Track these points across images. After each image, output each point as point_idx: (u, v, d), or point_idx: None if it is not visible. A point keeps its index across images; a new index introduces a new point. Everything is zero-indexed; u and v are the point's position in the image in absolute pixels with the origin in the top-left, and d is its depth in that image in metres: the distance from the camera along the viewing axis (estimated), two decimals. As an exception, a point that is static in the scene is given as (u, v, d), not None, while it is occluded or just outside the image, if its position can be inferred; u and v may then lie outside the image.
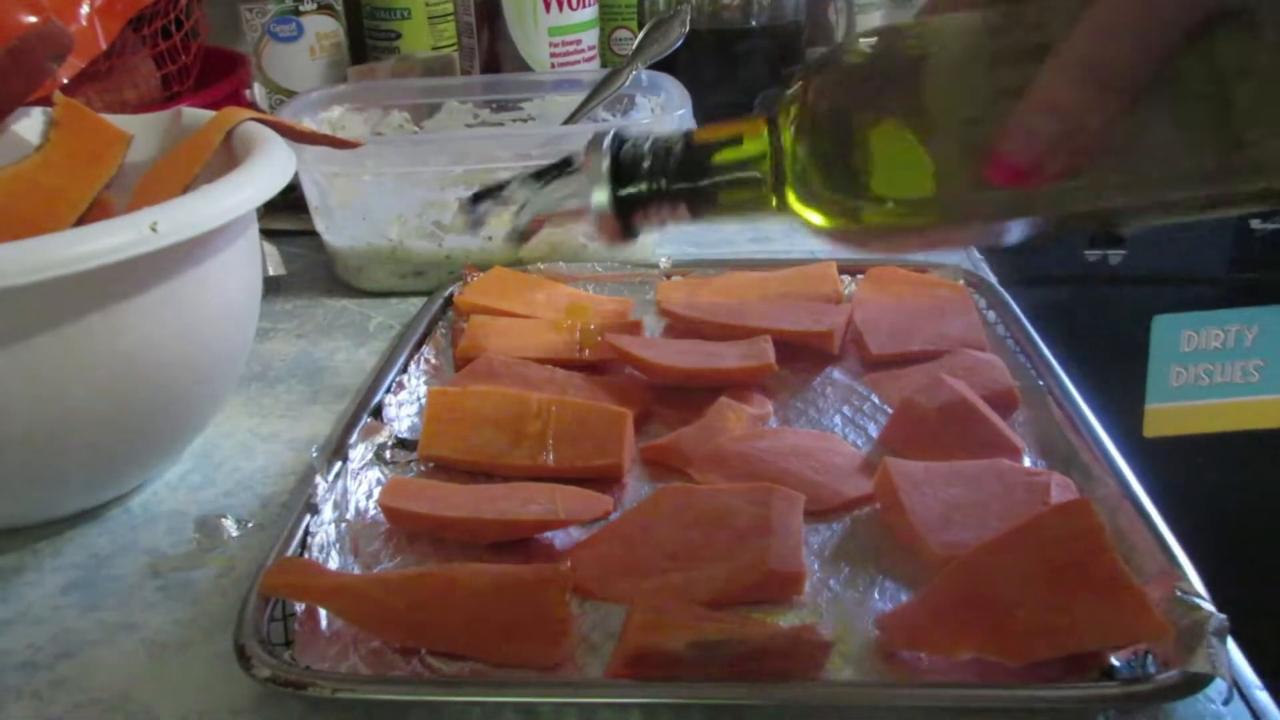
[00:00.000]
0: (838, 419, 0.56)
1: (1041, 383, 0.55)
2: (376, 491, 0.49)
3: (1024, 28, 0.34)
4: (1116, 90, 0.31)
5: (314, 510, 0.46)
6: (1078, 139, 0.32)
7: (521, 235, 0.43)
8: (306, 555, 0.44)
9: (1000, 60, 0.34)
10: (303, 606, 0.42)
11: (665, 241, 0.78)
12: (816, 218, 0.38)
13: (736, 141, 0.39)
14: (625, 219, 0.41)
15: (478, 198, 0.44)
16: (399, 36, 0.89)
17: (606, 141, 0.40)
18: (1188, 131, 0.32)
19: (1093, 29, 0.31)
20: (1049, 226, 0.37)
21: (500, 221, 0.44)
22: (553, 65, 0.90)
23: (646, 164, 0.40)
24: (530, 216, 0.43)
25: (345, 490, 0.49)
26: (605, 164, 0.40)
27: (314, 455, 0.49)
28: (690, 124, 0.39)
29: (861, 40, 0.38)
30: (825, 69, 0.37)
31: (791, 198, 0.38)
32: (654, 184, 0.40)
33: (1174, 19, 0.31)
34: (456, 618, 0.40)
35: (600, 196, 0.40)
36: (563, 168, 0.42)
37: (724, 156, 0.39)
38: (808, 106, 0.37)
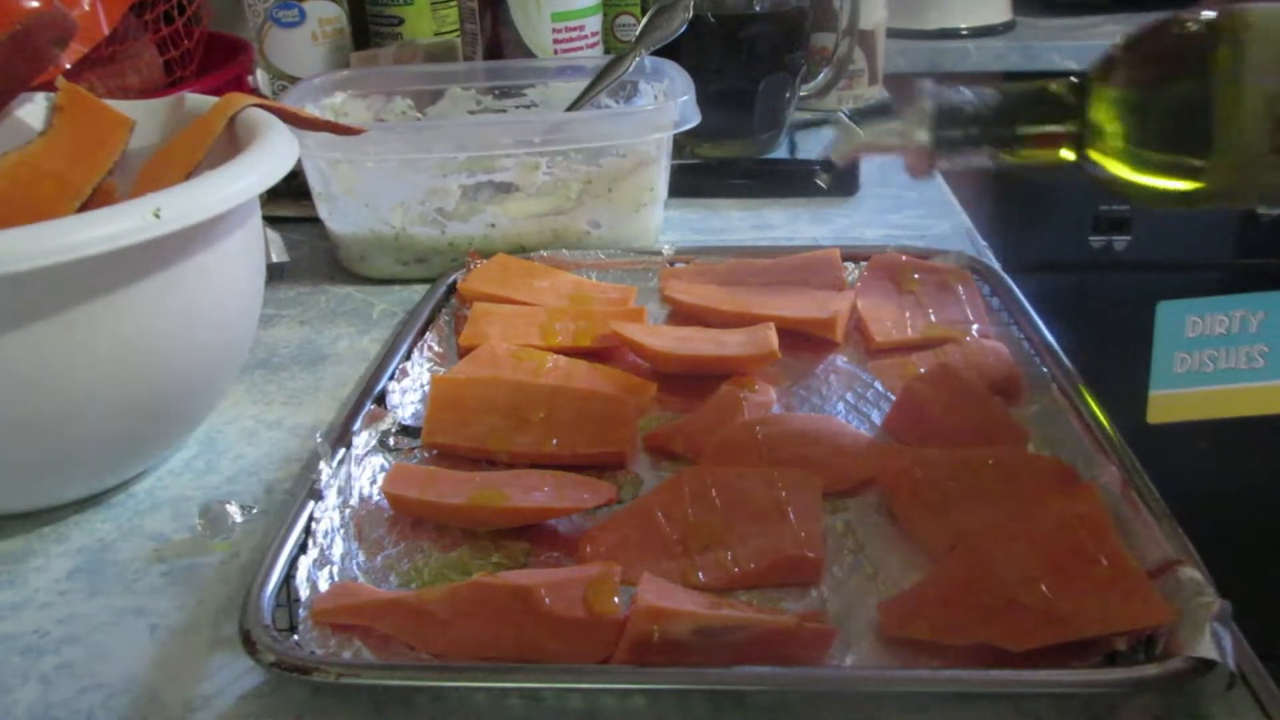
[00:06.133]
0: (841, 406, 0.56)
1: (1045, 369, 0.55)
2: (380, 478, 0.49)
3: None
4: None
5: (318, 497, 0.46)
6: None
7: (828, 165, 0.53)
8: (311, 541, 0.44)
9: None
10: (306, 594, 0.42)
11: (668, 229, 0.78)
12: (1119, 172, 0.44)
13: (1046, 101, 0.46)
14: (934, 157, 0.47)
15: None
16: (401, 22, 0.89)
17: (930, 91, 0.47)
18: None
19: None
20: None
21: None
22: (556, 51, 0.89)
23: (964, 113, 0.46)
24: (849, 149, 0.51)
25: (349, 477, 0.49)
26: (929, 109, 0.46)
27: (318, 442, 0.49)
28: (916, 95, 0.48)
29: (1173, 21, 0.43)
30: (1137, 44, 0.44)
31: (1093, 152, 0.44)
32: (968, 130, 0.46)
33: None
34: (509, 624, 0.40)
35: (921, 136, 0.47)
36: (884, 110, 0.49)
37: (1033, 114, 0.46)
38: (1119, 76, 0.43)
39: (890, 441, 0.52)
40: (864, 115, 0.49)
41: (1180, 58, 0.43)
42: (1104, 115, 0.44)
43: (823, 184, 0.79)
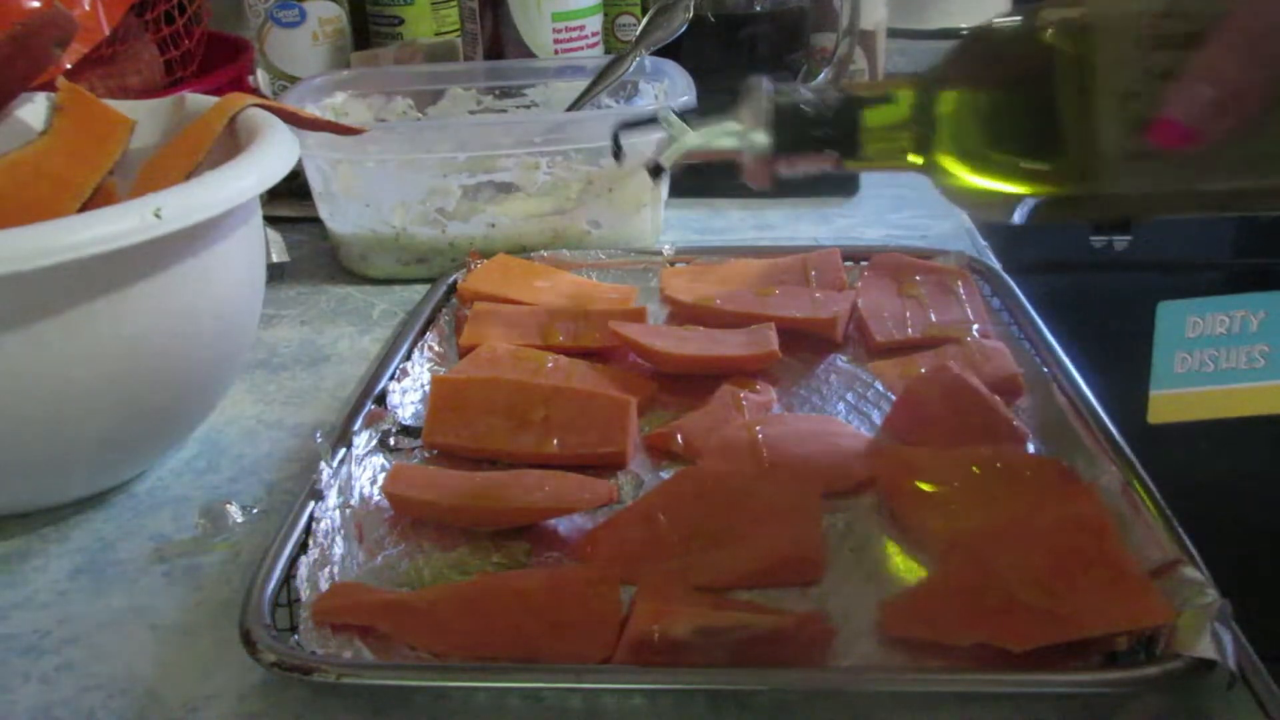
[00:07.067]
0: (841, 406, 0.56)
1: (1046, 369, 0.55)
2: (380, 478, 0.49)
3: (1183, 18, 0.37)
4: (1270, 63, 0.35)
5: (318, 496, 0.46)
6: (1234, 105, 0.35)
7: (657, 170, 0.45)
8: (311, 541, 0.44)
9: (1162, 44, 0.37)
10: (307, 594, 0.42)
11: (668, 229, 0.78)
12: (965, 177, 0.41)
13: (888, 101, 0.42)
14: (774, 163, 0.43)
15: (625, 127, 0.46)
16: (402, 22, 0.89)
17: (766, 89, 0.43)
18: None
19: (1253, 10, 0.35)
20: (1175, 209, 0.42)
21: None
22: (556, 51, 0.89)
23: (804, 114, 0.42)
24: (680, 153, 0.45)
25: (350, 477, 0.49)
26: (767, 110, 0.42)
27: (318, 442, 0.49)
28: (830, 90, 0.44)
29: (1018, 19, 0.40)
30: (982, 44, 0.41)
31: (938, 156, 0.41)
32: (810, 132, 0.42)
33: None
34: (509, 623, 0.40)
35: (759, 140, 0.42)
36: (718, 110, 0.44)
37: (876, 115, 0.42)
38: (964, 76, 0.40)
39: (890, 441, 0.52)
40: (698, 114, 0.45)
41: (1027, 56, 0.39)
42: (950, 117, 0.40)
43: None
